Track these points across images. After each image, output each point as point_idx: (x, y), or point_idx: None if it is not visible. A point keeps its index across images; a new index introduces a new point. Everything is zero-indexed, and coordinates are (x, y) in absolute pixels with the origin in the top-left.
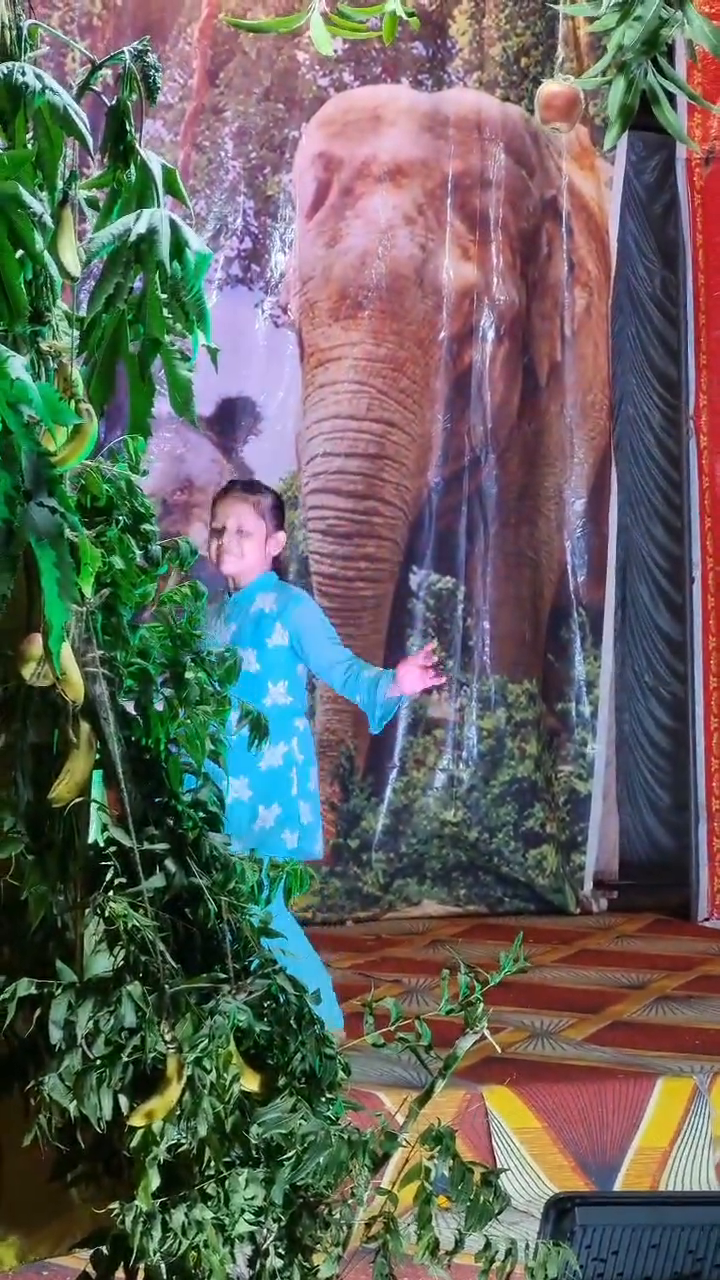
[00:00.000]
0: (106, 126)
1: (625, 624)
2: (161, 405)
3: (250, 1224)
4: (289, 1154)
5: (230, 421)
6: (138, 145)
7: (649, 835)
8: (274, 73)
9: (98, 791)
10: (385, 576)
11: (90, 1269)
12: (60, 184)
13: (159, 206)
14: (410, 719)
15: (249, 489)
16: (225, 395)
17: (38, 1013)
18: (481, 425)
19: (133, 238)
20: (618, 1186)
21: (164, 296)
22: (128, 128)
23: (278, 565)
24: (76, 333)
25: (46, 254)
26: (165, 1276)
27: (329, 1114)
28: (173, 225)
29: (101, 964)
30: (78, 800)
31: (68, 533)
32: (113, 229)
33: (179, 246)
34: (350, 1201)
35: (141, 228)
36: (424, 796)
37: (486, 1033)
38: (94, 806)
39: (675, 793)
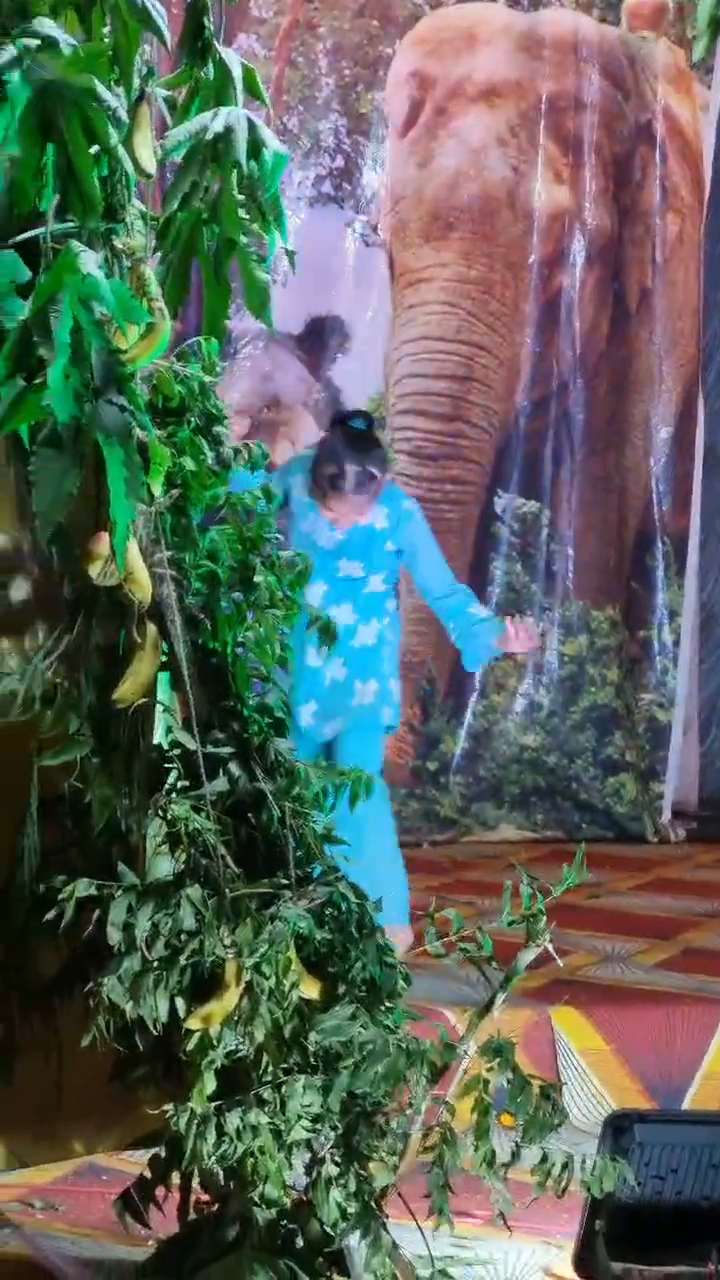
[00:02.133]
0: (184, 23)
1: None
2: (254, 322)
3: (307, 1131)
4: (347, 1062)
5: (319, 340)
6: (216, 43)
7: None
8: None
9: (163, 693)
10: (470, 499)
11: (147, 1172)
12: (137, 80)
13: (237, 105)
14: None
15: None
16: (314, 314)
17: (97, 914)
18: (570, 350)
19: (209, 136)
20: None
21: (240, 197)
22: (205, 24)
23: None
24: (151, 231)
25: (121, 150)
26: (222, 1181)
27: (388, 1023)
28: (250, 124)
29: (163, 867)
30: (142, 702)
31: (137, 432)
32: (189, 126)
33: (256, 146)
34: (408, 1112)
35: (218, 126)
36: (504, 720)
37: (549, 946)
38: (159, 708)
39: None
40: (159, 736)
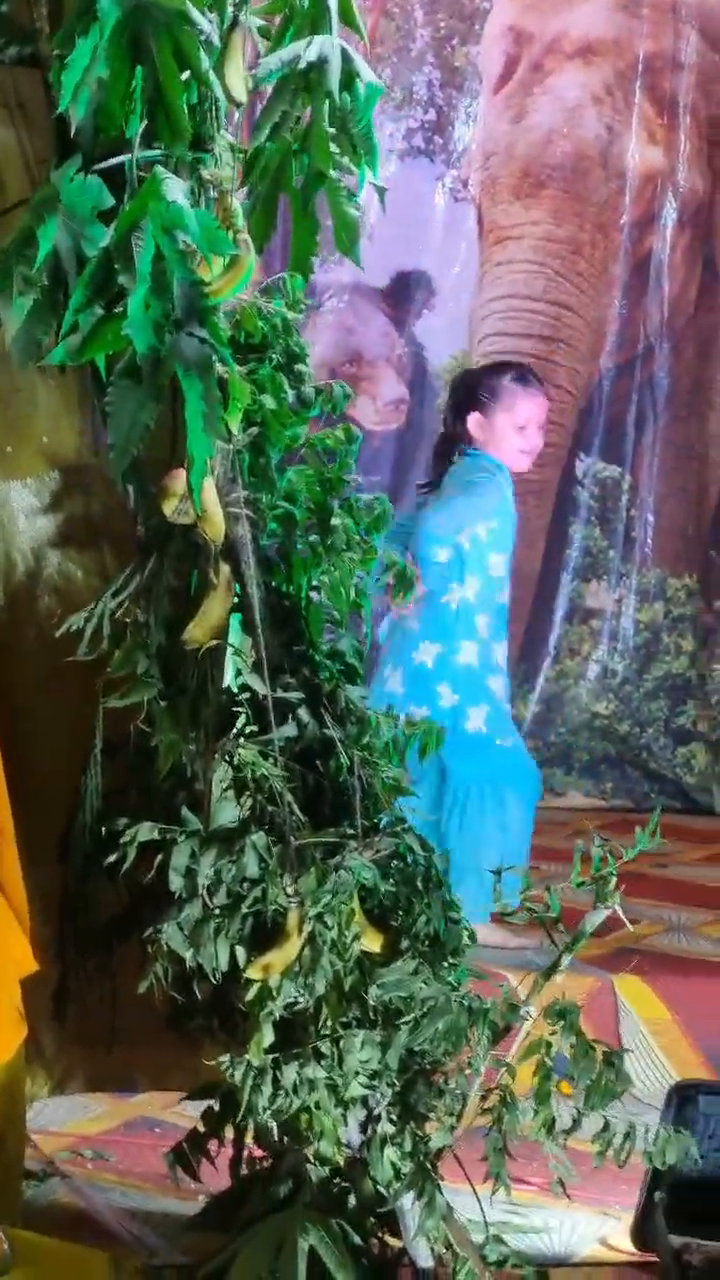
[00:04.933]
0: None
1: None
2: (338, 274)
3: (364, 1087)
4: (407, 1018)
5: (404, 295)
6: None
7: None
8: None
9: (234, 636)
10: (552, 461)
11: (200, 1125)
12: (230, 7)
13: (332, 35)
14: (568, 608)
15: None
16: (400, 268)
17: (159, 859)
18: (657, 314)
19: (302, 65)
20: None
21: (332, 129)
22: None
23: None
24: (239, 162)
25: (212, 76)
26: (276, 1137)
27: (451, 980)
28: (344, 55)
29: (228, 813)
30: (212, 644)
31: (217, 366)
32: (282, 54)
33: (350, 77)
34: (467, 1072)
35: (312, 55)
36: (576, 687)
37: (619, 909)
38: (229, 651)
39: None
40: (228, 680)
